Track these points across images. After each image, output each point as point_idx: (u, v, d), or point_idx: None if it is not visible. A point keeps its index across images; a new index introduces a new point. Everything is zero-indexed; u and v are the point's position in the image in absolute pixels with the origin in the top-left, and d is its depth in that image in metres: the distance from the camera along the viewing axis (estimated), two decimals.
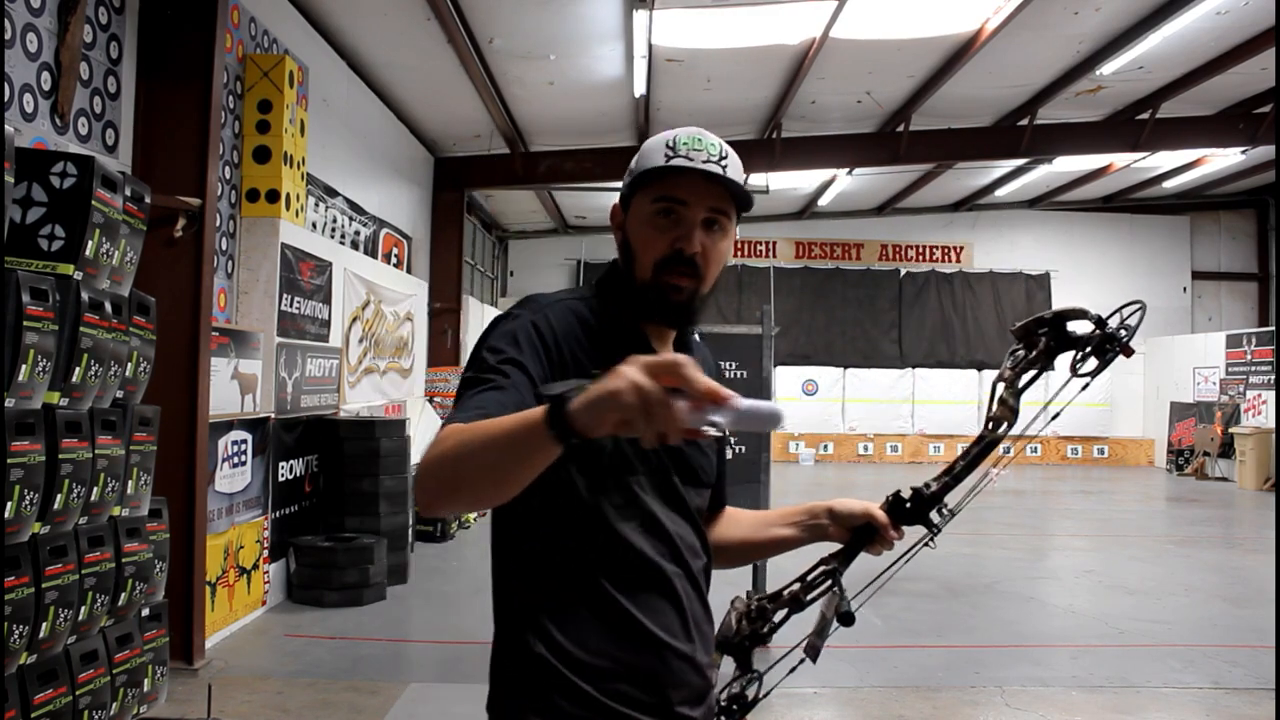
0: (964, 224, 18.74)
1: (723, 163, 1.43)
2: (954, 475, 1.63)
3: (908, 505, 1.62)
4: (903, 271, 18.85)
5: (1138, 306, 1.61)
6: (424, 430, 9.84)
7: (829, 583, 1.60)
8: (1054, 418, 1.84)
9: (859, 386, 18.56)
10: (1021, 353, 1.66)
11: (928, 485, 1.63)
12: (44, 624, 2.95)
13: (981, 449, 1.63)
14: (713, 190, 1.43)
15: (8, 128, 2.82)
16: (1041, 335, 1.65)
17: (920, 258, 18.93)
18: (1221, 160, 14.07)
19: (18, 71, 4.21)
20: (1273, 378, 14.85)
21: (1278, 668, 4.67)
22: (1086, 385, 1.64)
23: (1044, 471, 17.13)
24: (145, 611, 3.69)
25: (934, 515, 1.62)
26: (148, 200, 3.65)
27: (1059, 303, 18.66)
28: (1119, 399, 18.24)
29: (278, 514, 6.47)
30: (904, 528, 1.63)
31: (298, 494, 6.82)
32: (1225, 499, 13.64)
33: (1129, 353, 1.59)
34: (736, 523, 1.74)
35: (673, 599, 1.44)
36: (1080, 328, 1.64)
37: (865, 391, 18.54)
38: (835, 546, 1.64)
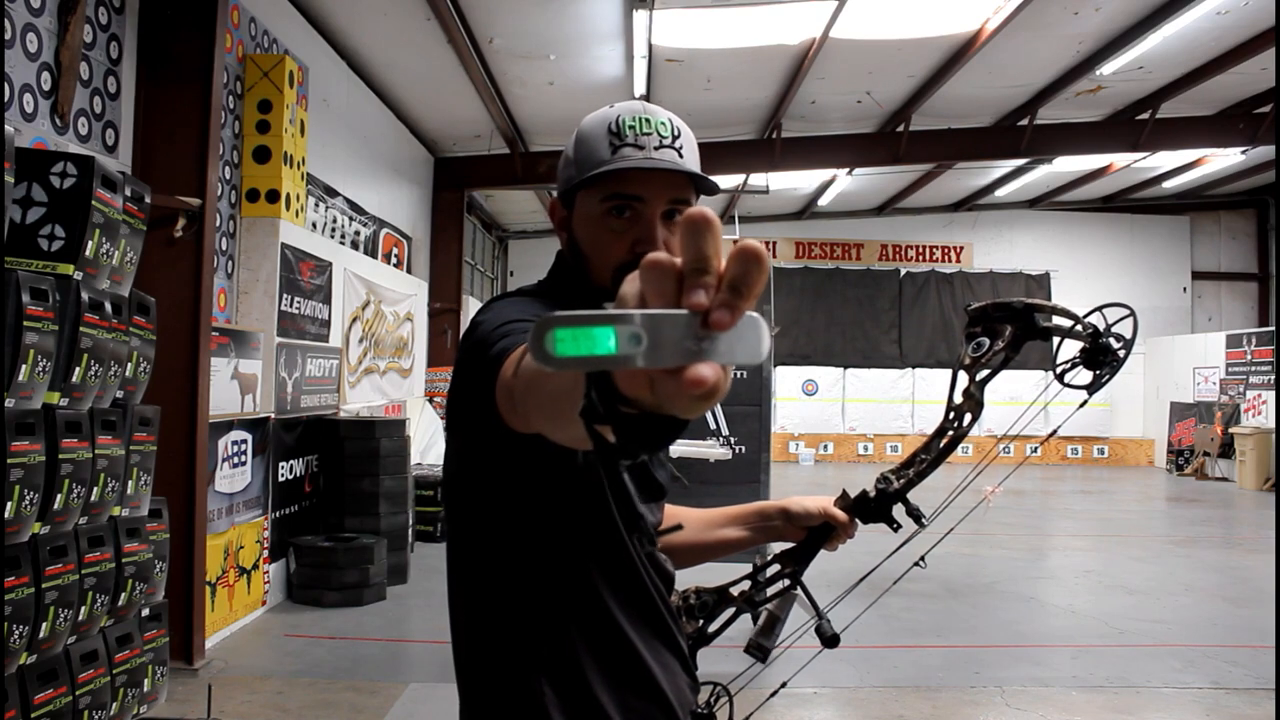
0: (964, 224, 18.73)
1: (676, 144, 1.25)
2: (919, 472, 1.55)
3: (872, 504, 1.54)
4: (903, 271, 18.84)
5: (1127, 314, 1.52)
6: (424, 430, 9.84)
7: (785, 584, 1.52)
8: (1051, 435, 1.80)
9: (859, 386, 18.56)
10: (985, 340, 1.58)
11: (888, 480, 1.55)
12: (44, 624, 2.95)
13: (947, 444, 1.55)
14: (670, 179, 1.24)
15: (8, 128, 2.82)
16: (1006, 325, 1.56)
17: (920, 258, 18.93)
18: (1221, 160, 14.07)
19: (18, 71, 4.21)
20: (1273, 378, 14.84)
21: (1278, 668, 4.67)
22: (1084, 403, 1.56)
23: (1044, 471, 17.12)
24: (145, 611, 3.69)
25: (899, 512, 1.55)
26: (148, 200, 3.65)
27: (1059, 303, 18.62)
28: (1119, 399, 18.22)
29: (278, 514, 6.47)
30: (865, 525, 1.55)
31: (298, 494, 6.82)
32: (1225, 499, 13.64)
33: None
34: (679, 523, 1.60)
35: (668, 637, 1.35)
36: (1056, 320, 1.56)
37: (865, 391, 18.54)
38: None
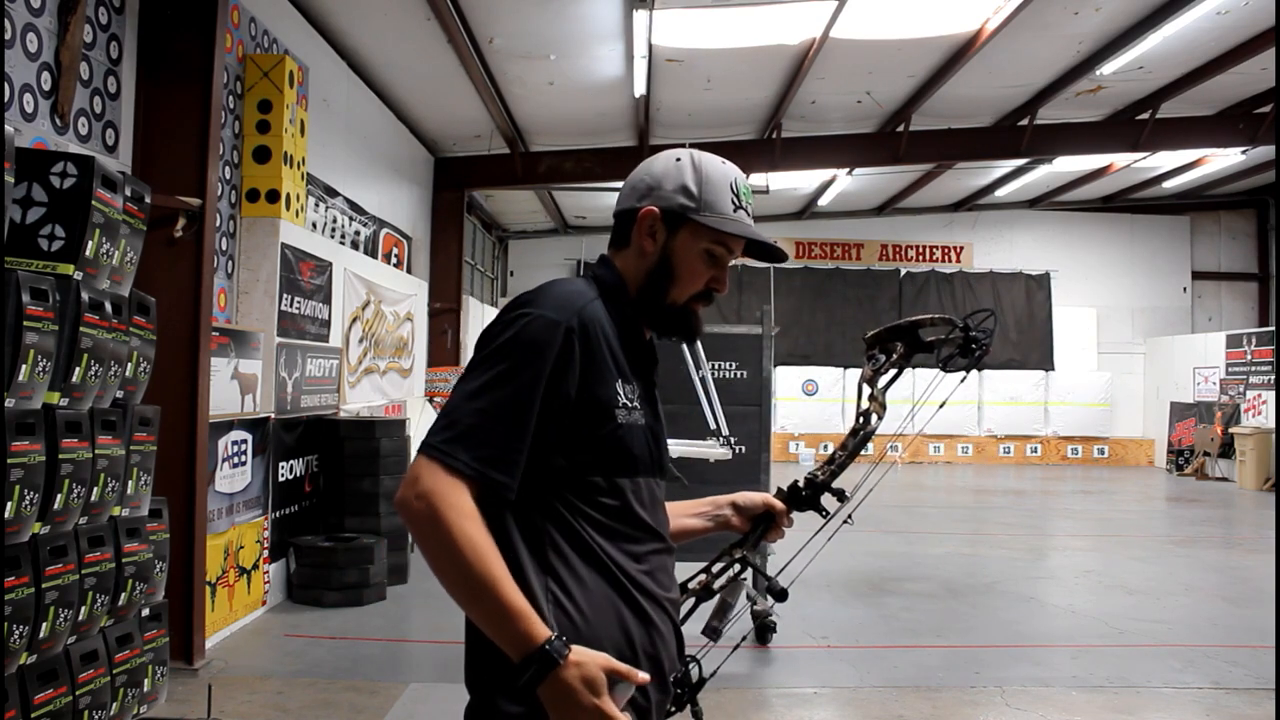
0: (964, 224, 18.73)
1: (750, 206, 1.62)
2: (838, 464, 1.84)
3: (804, 493, 1.82)
4: (903, 271, 18.84)
5: (988, 314, 1.91)
6: (424, 430, 9.83)
7: (737, 569, 1.75)
8: (936, 413, 2.15)
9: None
10: (881, 357, 1.97)
11: (815, 475, 1.84)
12: (44, 624, 2.95)
13: (859, 441, 1.85)
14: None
15: (8, 128, 2.82)
16: (898, 342, 1.94)
17: (920, 258, 18.93)
18: (1221, 160, 14.07)
19: (18, 71, 4.21)
20: (1273, 378, 14.84)
21: (1278, 668, 4.67)
22: (964, 379, 1.91)
23: (1044, 471, 17.11)
24: (145, 611, 3.69)
25: (827, 501, 1.83)
26: (148, 200, 3.65)
27: (1059, 302, 18.74)
28: (1119, 399, 18.22)
29: (278, 514, 6.47)
30: (797, 515, 1.85)
31: (298, 494, 6.82)
32: (1225, 499, 13.64)
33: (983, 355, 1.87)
34: None
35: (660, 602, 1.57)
36: (937, 332, 1.90)
37: None
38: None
